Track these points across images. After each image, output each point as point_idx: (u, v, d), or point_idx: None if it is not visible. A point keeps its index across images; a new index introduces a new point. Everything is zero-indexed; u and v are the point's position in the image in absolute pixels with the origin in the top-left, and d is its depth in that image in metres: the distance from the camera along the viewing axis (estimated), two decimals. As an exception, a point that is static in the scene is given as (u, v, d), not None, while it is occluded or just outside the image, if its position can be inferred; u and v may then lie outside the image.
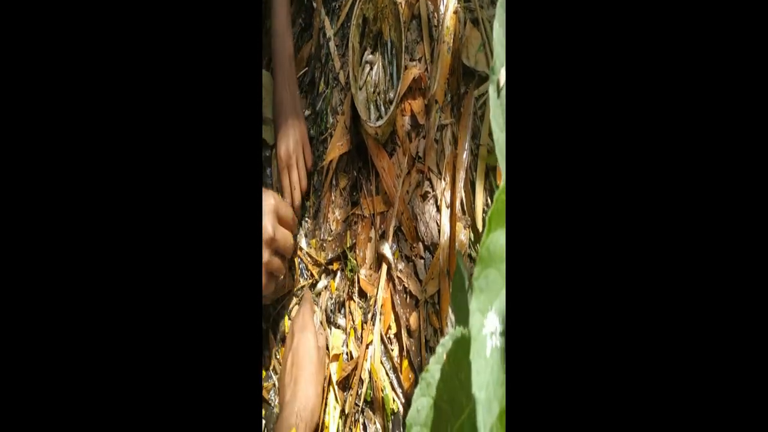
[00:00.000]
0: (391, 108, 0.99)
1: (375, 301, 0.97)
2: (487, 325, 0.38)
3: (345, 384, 0.95)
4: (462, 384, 0.52)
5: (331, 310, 1.03)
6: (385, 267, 0.99)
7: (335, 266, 1.07)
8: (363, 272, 1.01)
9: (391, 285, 0.98)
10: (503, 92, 0.49)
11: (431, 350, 0.89)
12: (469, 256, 0.94)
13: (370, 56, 1.16)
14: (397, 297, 0.96)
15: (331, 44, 1.23)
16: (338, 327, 1.01)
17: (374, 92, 1.13)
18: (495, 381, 0.38)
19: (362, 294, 1.00)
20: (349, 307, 1.01)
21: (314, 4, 1.28)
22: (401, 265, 1.00)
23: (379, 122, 0.97)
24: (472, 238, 0.95)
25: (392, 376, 0.93)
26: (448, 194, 1.00)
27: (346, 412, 0.93)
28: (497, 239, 0.39)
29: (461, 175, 0.99)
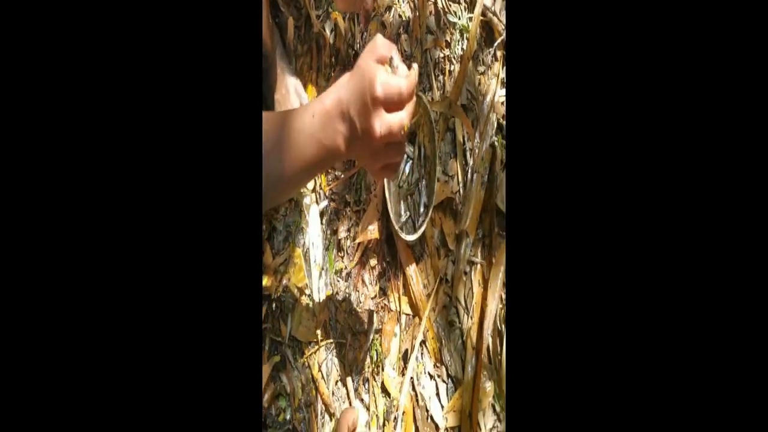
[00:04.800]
0: (422, 227, 0.99)
1: (397, 408, 1.00)
2: None
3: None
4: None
5: (355, 378, 1.08)
6: (408, 378, 1.01)
7: (362, 339, 1.09)
8: (388, 368, 1.04)
9: (414, 398, 1.01)
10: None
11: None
12: (493, 407, 0.94)
13: (408, 147, 1.10)
14: (419, 412, 1.00)
15: None
16: (361, 401, 1.06)
17: (406, 189, 1.10)
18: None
19: (384, 390, 1.03)
20: (373, 390, 1.06)
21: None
22: (424, 380, 1.01)
23: (411, 237, 0.98)
24: (497, 391, 0.94)
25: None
26: (474, 335, 0.98)
27: None
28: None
29: (489, 322, 0.96)
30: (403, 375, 1.01)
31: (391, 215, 1.01)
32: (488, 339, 0.96)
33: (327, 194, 1.16)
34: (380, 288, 1.09)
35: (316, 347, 1.09)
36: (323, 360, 1.10)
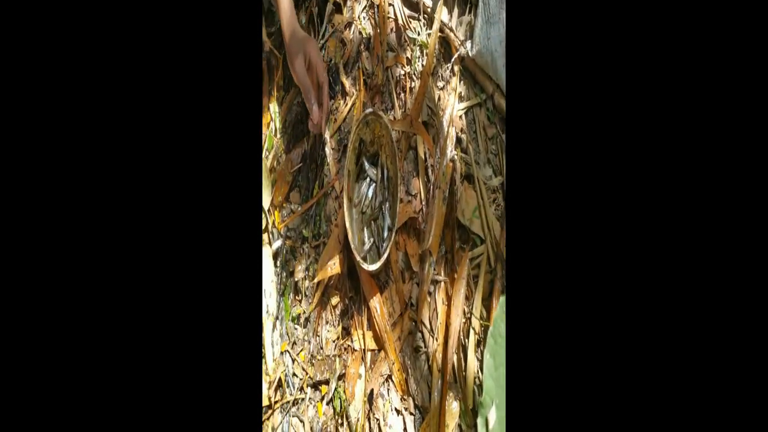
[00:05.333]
0: (386, 253, 0.92)
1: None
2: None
3: None
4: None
5: None
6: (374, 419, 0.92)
7: (323, 390, 0.98)
8: (352, 413, 0.93)
9: None
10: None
11: None
12: (459, 427, 0.85)
13: (371, 169, 1.08)
14: None
15: (327, 148, 1.14)
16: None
17: (369, 215, 1.05)
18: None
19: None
20: None
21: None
22: (390, 419, 0.92)
23: (373, 267, 0.92)
24: (463, 409, 0.86)
25: None
26: (439, 357, 0.91)
27: None
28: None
29: (453, 339, 0.90)
30: (368, 418, 0.92)
31: (353, 245, 0.95)
32: (452, 357, 0.90)
33: (281, 232, 1.07)
34: (343, 328, 1.00)
35: (270, 411, 0.99)
36: (278, 424, 0.99)
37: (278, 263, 1.09)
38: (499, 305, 0.87)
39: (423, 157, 1.08)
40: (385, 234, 1.02)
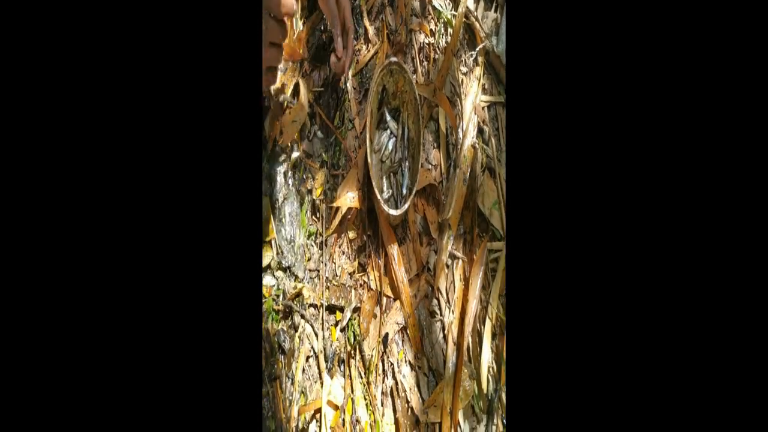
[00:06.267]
0: (406, 205, 0.94)
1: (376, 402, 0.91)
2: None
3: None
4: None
5: (330, 358, 0.94)
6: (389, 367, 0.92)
7: (338, 315, 0.97)
8: (366, 350, 0.93)
9: (393, 384, 0.92)
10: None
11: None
12: (472, 407, 0.91)
13: (392, 122, 1.08)
14: (399, 401, 0.90)
15: (349, 84, 1.12)
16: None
17: (389, 166, 1.06)
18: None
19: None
20: (349, 370, 0.93)
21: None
22: (405, 370, 0.93)
23: (393, 212, 0.92)
24: (476, 392, 0.91)
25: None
26: (455, 330, 0.95)
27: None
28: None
29: (470, 320, 0.94)
30: (382, 360, 0.93)
31: (374, 187, 0.95)
32: (468, 338, 0.94)
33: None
34: (359, 264, 1.00)
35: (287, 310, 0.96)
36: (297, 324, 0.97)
37: (296, 176, 1.05)
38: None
39: (444, 131, 1.10)
40: (404, 192, 1.03)
